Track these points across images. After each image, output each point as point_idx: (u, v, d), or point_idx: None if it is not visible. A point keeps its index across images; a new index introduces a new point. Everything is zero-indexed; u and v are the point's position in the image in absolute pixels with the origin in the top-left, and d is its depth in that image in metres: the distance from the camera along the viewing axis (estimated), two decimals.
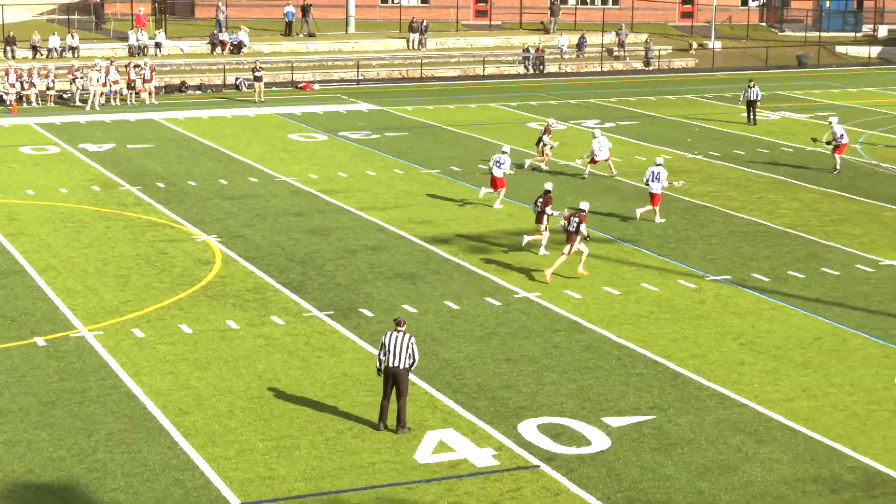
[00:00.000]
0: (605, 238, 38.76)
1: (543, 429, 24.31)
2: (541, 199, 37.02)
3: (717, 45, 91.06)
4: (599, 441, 23.75)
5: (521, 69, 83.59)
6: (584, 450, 23.36)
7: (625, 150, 53.35)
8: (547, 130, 50.08)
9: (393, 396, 24.12)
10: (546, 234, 37.15)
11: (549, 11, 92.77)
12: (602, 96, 71.74)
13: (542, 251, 37.07)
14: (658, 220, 40.81)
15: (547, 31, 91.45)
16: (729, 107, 67.80)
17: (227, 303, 32.23)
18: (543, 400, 25.79)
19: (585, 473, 22.36)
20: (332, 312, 31.50)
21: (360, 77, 79.08)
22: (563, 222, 34.65)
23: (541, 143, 49.79)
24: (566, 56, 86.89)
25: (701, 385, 26.71)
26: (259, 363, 27.85)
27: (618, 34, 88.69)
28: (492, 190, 43.33)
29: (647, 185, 41.14)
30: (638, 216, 41.06)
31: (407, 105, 67.59)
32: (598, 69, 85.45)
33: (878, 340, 29.65)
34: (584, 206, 35.11)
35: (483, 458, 23.00)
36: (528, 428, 24.34)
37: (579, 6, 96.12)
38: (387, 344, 23.91)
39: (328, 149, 54.29)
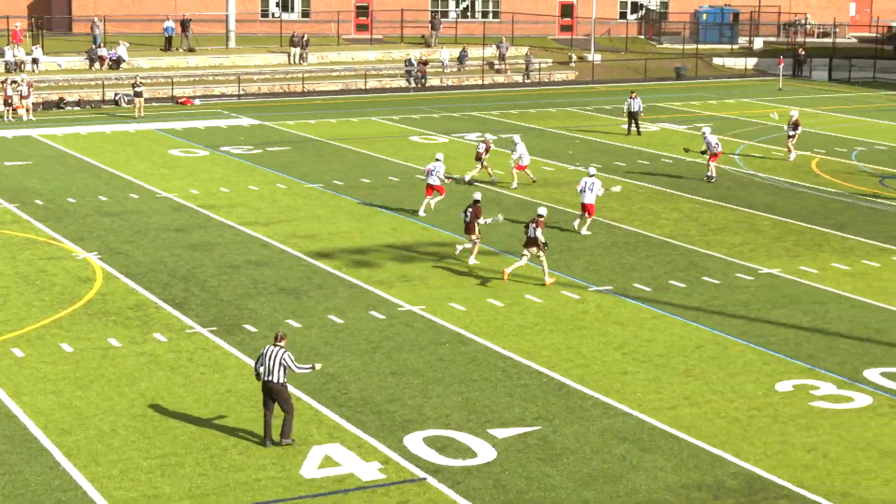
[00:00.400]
0: (489, 250, 38.88)
1: (429, 441, 24.32)
2: (470, 210, 37.20)
3: (597, 57, 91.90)
4: (485, 452, 23.81)
5: (403, 83, 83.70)
6: (470, 462, 23.40)
7: (505, 163, 53.59)
8: (487, 148, 49.88)
9: (278, 410, 24.02)
10: (477, 244, 37.56)
11: (429, 25, 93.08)
12: (484, 109, 72.05)
13: (472, 260, 37.47)
14: (584, 231, 41.27)
15: (428, 45, 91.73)
16: (609, 118, 68.43)
17: (109, 320, 31.86)
18: (429, 413, 25.81)
19: (472, 485, 22.40)
20: (215, 328, 31.28)
21: (242, 92, 78.65)
22: (527, 231, 34.96)
23: (482, 159, 49.57)
24: (447, 69, 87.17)
25: (585, 395, 26.89)
26: (142, 381, 27.56)
27: (498, 47, 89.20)
28: (428, 196, 44.01)
29: (582, 194, 41.42)
30: (577, 227, 41.32)
31: (289, 119, 67.37)
32: (480, 82, 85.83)
33: (757, 347, 30.06)
34: (542, 211, 35.65)
35: (369, 472, 22.95)
36: (415, 441, 24.34)
37: (460, 20, 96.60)
38: (264, 355, 23.84)
39: (210, 164, 53.93)
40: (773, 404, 26.39)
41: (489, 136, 52.20)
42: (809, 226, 42.51)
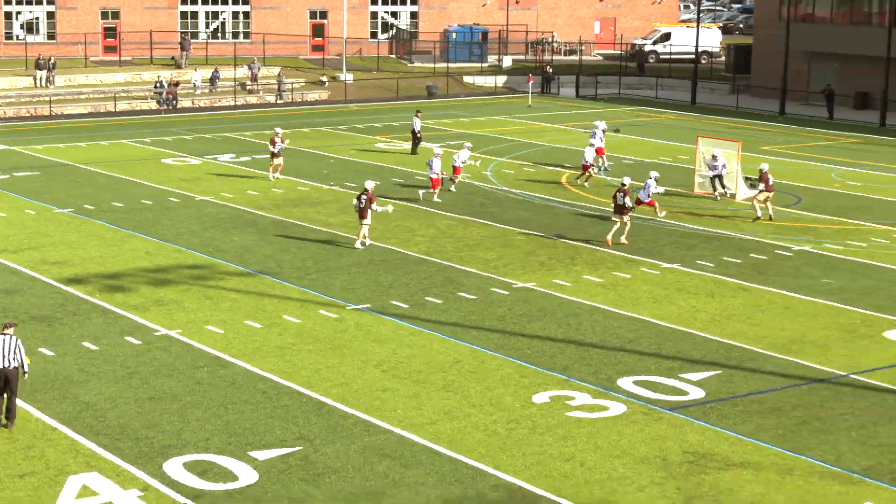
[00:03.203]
0: (244, 271, 38.65)
1: (190, 466, 24.02)
2: (364, 196, 41.24)
3: (349, 77, 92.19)
4: (247, 475, 23.62)
5: (153, 104, 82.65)
6: (231, 485, 23.19)
7: (260, 185, 53.40)
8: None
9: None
10: (366, 227, 41.79)
11: (179, 46, 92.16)
12: (237, 130, 71.59)
13: (359, 245, 41.60)
14: (436, 199, 48.94)
15: (179, 66, 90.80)
16: (363, 137, 68.67)
17: None
18: (189, 437, 25.49)
19: None
20: None
21: None
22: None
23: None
24: (199, 91, 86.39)
25: (346, 413, 26.90)
26: None
27: (250, 68, 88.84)
28: (431, 189, 49.98)
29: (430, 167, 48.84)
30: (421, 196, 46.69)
31: (37, 144, 65.85)
32: (232, 103, 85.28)
33: (514, 361, 30.49)
34: (626, 180, 43.10)
35: (129, 499, 22.56)
36: (174, 466, 24.01)
37: (210, 41, 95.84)
38: None
39: None
40: (531, 416, 26.79)
41: (468, 145, 55.72)
42: (562, 240, 43.33)
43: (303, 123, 75.05)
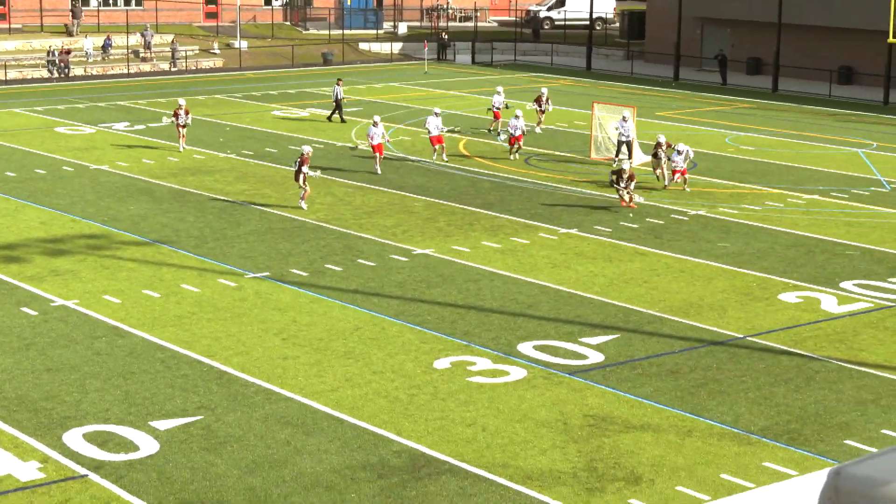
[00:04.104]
0: (142, 241, 38.33)
1: (89, 437, 23.82)
2: (298, 160, 42.09)
3: (244, 44, 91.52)
4: (148, 445, 23.47)
5: (45, 73, 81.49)
6: (132, 455, 23.03)
7: (156, 153, 52.93)
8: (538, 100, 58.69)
9: None
10: (306, 190, 42.43)
11: (70, 14, 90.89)
12: (130, 98, 70.86)
13: (303, 204, 42.53)
14: (377, 170, 48.61)
15: (70, 34, 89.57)
16: (258, 105, 68.27)
17: None
18: (88, 408, 25.27)
19: (135, 479, 22.04)
20: None
21: None
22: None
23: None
24: (91, 59, 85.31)
25: (246, 382, 26.80)
26: None
27: (143, 35, 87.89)
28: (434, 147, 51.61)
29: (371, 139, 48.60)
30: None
31: None
32: (126, 71, 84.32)
33: (414, 327, 30.54)
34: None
35: (28, 471, 22.33)
36: (74, 437, 23.79)
37: (102, 8, 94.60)
38: None
39: None
40: (433, 382, 26.87)
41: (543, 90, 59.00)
42: (460, 206, 43.42)
43: (198, 91, 74.41)
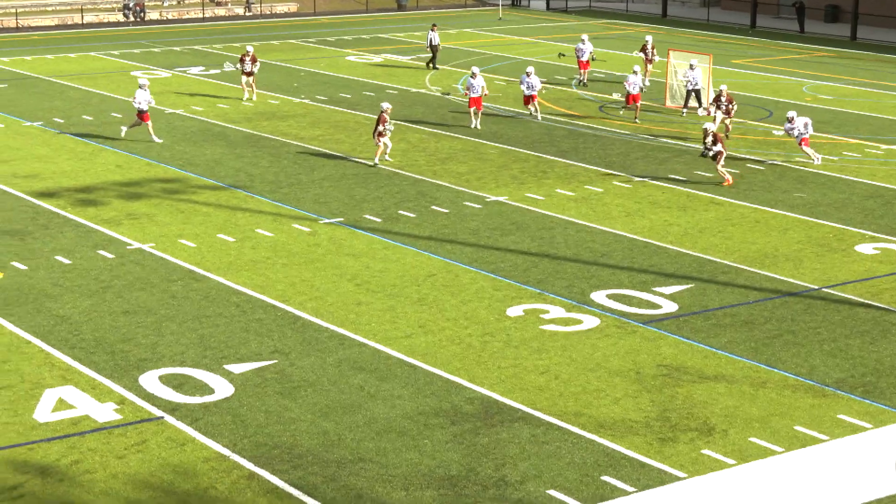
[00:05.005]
0: (217, 185, 38.54)
1: (165, 380, 24.06)
2: (377, 117, 40.89)
3: None
4: (223, 388, 23.68)
5: (121, 17, 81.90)
6: (207, 398, 23.25)
7: (230, 98, 53.10)
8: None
9: None
10: (380, 147, 41.20)
11: None
12: (206, 42, 71.08)
13: (377, 160, 41.30)
14: (475, 125, 46.96)
15: None
16: (332, 50, 68.29)
17: None
18: (164, 351, 25.52)
19: (210, 421, 22.26)
20: None
21: None
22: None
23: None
24: (167, 3, 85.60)
25: (320, 327, 26.94)
26: None
27: None
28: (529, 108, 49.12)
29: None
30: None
31: (3, 56, 65.26)
32: (201, 15, 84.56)
33: (488, 274, 30.55)
34: (709, 126, 39.55)
35: (105, 412, 22.60)
36: (150, 380, 24.05)
37: None
38: None
39: None
40: (506, 329, 26.89)
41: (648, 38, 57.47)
42: (534, 153, 43.30)
43: (272, 36, 74.52)
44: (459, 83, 56.09)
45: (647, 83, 55.56)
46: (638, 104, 49.19)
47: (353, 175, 39.99)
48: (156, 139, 43.88)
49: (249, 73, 52.39)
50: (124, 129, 44.42)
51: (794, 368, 24.84)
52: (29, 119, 48.58)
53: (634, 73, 49.40)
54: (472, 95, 46.69)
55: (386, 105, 41.20)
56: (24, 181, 38.98)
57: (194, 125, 47.48)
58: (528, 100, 48.74)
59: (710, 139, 39.08)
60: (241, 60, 52.59)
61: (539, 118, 48.57)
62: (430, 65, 61.39)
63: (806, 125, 41.67)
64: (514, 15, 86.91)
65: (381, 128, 40.67)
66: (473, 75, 46.65)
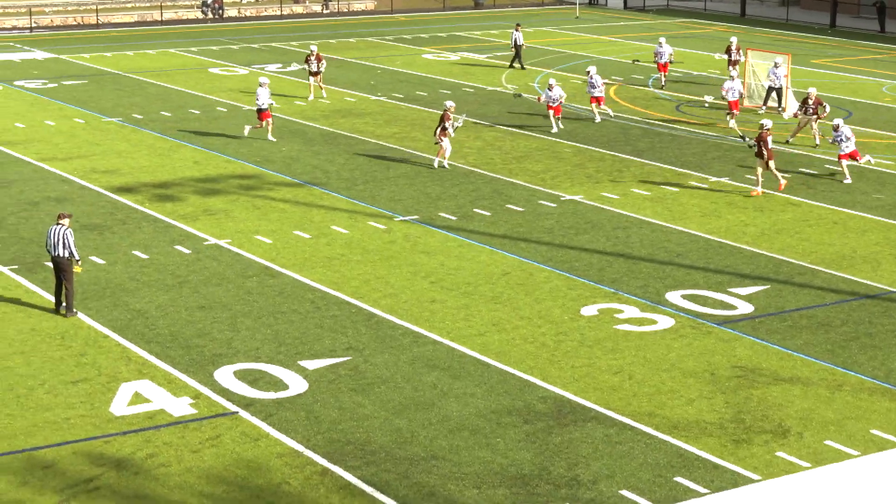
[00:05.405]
0: (293, 182, 38.73)
1: (240, 375, 24.22)
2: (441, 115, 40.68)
3: None
4: (297, 384, 23.79)
5: (199, 14, 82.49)
6: (282, 394, 23.37)
7: (307, 95, 53.33)
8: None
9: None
10: (442, 147, 40.51)
11: None
12: (283, 40, 71.45)
13: (436, 162, 40.63)
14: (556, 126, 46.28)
15: None
16: (409, 48, 68.41)
17: None
18: (239, 346, 25.68)
19: (284, 417, 22.38)
20: (16, 267, 30.64)
21: (34, 24, 76.68)
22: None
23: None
24: (245, 0, 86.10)
25: (394, 324, 27.01)
26: None
27: None
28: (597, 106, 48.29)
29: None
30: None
31: (84, 52, 65.96)
32: (278, 13, 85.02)
33: (562, 273, 30.49)
34: (766, 123, 37.68)
35: (180, 407, 22.78)
36: (225, 375, 24.21)
37: None
38: (49, 236, 27.12)
39: (3, 99, 52.59)
40: (580, 328, 26.84)
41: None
42: (610, 152, 43.17)
43: (349, 34, 74.78)
44: (536, 82, 56.00)
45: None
46: (735, 111, 46.86)
47: (429, 173, 40.04)
48: (271, 138, 43.93)
49: (316, 73, 52.25)
50: (248, 128, 44.44)
51: (871, 371, 24.61)
52: (108, 115, 49.05)
53: (731, 78, 48.17)
54: (551, 104, 46.10)
55: (449, 103, 41.18)
56: (104, 176, 39.37)
57: (273, 122, 47.68)
58: (595, 100, 48.12)
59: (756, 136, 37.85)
60: (307, 61, 52.34)
61: (597, 119, 48.09)
62: (517, 64, 61.02)
63: (847, 138, 39.72)
64: (591, 13, 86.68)
65: (445, 124, 40.35)
66: (550, 87, 46.05)
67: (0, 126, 46.73)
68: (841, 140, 39.66)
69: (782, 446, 21.32)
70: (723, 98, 47.78)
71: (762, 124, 37.90)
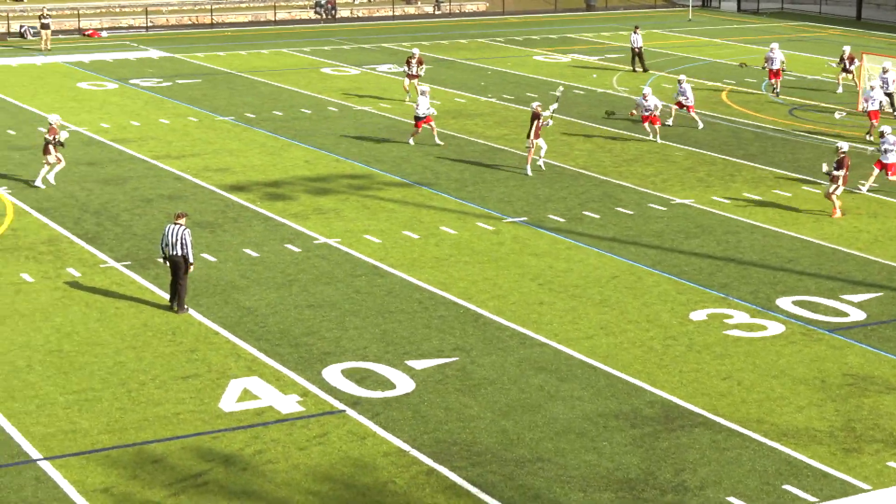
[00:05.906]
0: (402, 182, 38.87)
1: (348, 374, 24.34)
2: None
3: None
4: (404, 384, 23.86)
5: (312, 14, 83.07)
6: (388, 393, 23.45)
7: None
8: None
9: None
10: (532, 147, 39.75)
11: None
12: (394, 41, 71.73)
13: (530, 170, 39.91)
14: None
15: None
16: (520, 49, 68.38)
17: (21, 255, 31.52)
18: (347, 345, 25.81)
19: (391, 416, 22.46)
20: (129, 263, 31.05)
21: (150, 24, 77.69)
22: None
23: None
24: (357, 1, 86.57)
25: (502, 325, 27.00)
26: (56, 316, 27.31)
27: None
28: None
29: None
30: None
31: (198, 52, 66.71)
32: (391, 13, 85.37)
33: (672, 277, 30.30)
34: (843, 146, 35.93)
35: (288, 404, 22.94)
36: (333, 373, 24.34)
37: None
38: (167, 235, 27.25)
39: (119, 97, 53.33)
40: (688, 333, 26.65)
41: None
42: (721, 156, 42.83)
43: (461, 35, 74.89)
44: (647, 84, 55.69)
45: (840, 91, 54.45)
46: (874, 122, 45.09)
47: (538, 174, 39.97)
48: (438, 141, 43.88)
49: (415, 76, 51.93)
50: (411, 139, 44.30)
51: None
52: (221, 114, 49.56)
53: (871, 87, 46.58)
54: (644, 114, 45.25)
55: (536, 104, 40.38)
56: (216, 174, 39.78)
57: (382, 122, 47.95)
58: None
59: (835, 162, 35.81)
60: (408, 63, 52.18)
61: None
62: (639, 67, 60.57)
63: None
64: (703, 16, 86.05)
65: (539, 121, 39.59)
66: (645, 97, 45.16)
67: (115, 124, 47.40)
68: (888, 149, 38.02)
69: (894, 456, 21.01)
70: (863, 111, 46.80)
71: (839, 146, 36.11)
